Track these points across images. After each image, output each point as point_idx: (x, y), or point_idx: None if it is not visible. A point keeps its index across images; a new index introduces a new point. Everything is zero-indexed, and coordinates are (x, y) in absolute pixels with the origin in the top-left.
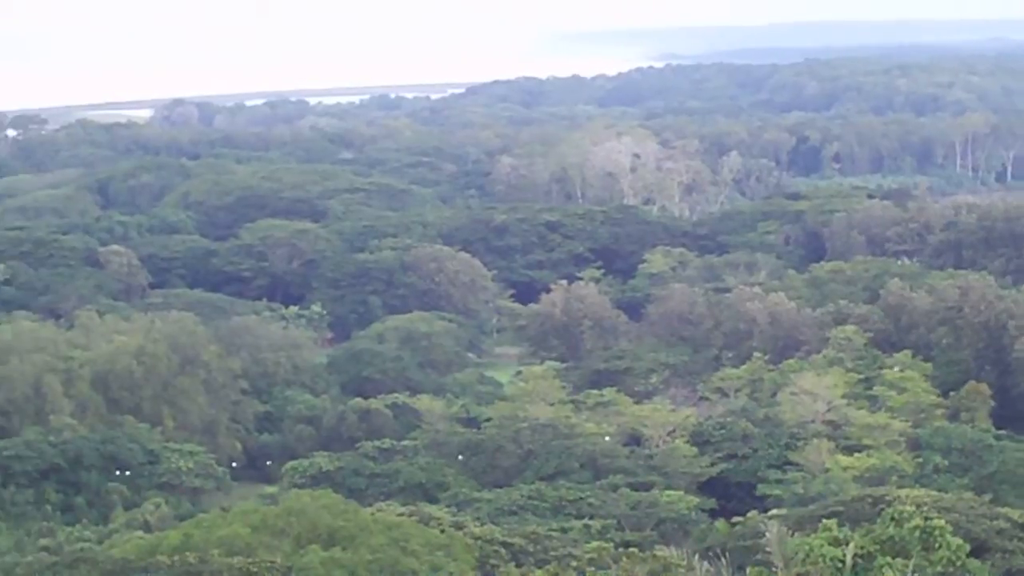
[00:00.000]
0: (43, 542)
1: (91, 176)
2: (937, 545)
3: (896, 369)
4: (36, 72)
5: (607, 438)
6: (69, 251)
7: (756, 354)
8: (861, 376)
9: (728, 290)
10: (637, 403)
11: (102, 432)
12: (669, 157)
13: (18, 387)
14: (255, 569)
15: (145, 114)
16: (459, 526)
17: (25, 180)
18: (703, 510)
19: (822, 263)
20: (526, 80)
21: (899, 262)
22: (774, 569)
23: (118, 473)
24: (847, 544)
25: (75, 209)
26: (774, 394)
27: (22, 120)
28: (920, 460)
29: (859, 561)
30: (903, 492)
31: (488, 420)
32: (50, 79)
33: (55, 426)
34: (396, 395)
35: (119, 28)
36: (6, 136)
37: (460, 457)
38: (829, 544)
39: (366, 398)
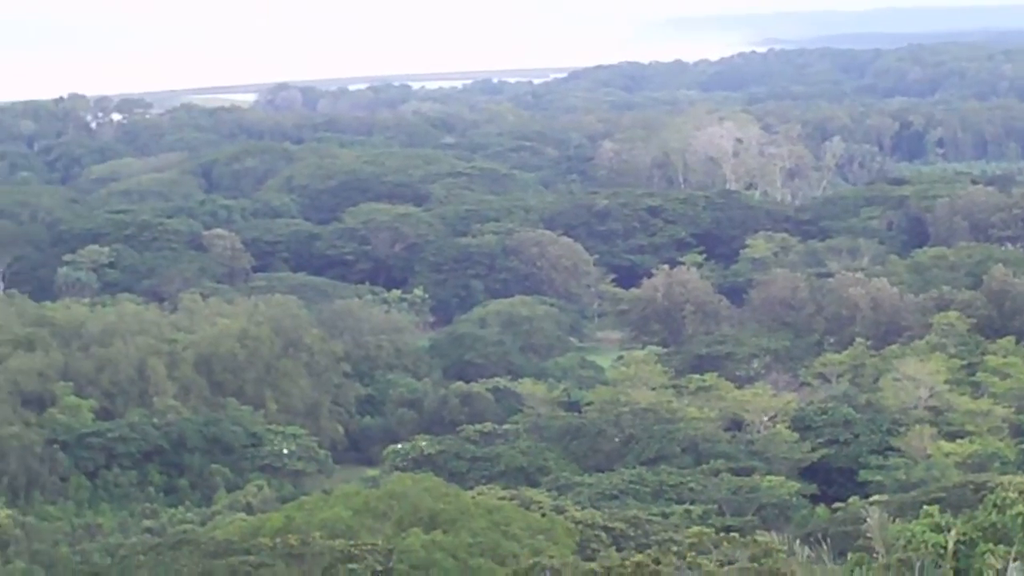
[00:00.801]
0: (146, 523)
1: (195, 160)
2: None
3: (999, 355)
4: (141, 56)
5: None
6: (173, 234)
7: (858, 339)
8: (964, 362)
9: (830, 275)
10: (738, 388)
11: (205, 414)
12: (771, 142)
13: (122, 369)
14: (356, 552)
15: (249, 98)
16: (560, 510)
17: (130, 164)
18: (804, 496)
19: (925, 249)
20: (628, 65)
21: (1002, 248)
22: (875, 555)
23: (221, 455)
24: (949, 530)
25: (179, 193)
26: (876, 380)
27: (127, 104)
28: (1023, 446)
29: (961, 547)
30: (1005, 478)
31: (589, 404)
32: (155, 63)
33: (159, 408)
34: (497, 379)
35: (224, 12)
36: (111, 120)
37: (561, 441)
38: (931, 530)
39: (468, 382)
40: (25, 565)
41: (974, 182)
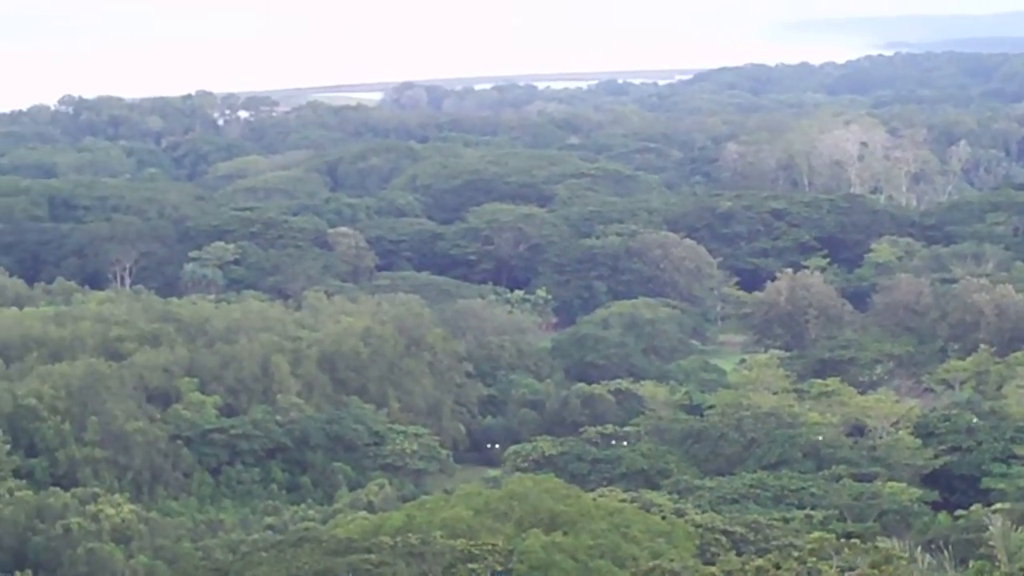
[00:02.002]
0: (268, 520)
1: (321, 158)
2: None
3: None
4: (269, 54)
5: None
6: (298, 232)
7: (982, 346)
8: None
9: (955, 281)
10: (861, 393)
11: (328, 412)
12: (897, 146)
13: (246, 366)
14: (477, 552)
15: (375, 97)
16: (680, 513)
17: (256, 161)
18: (926, 502)
19: None
20: (754, 67)
21: None
22: (997, 563)
23: (343, 453)
24: None
25: (305, 190)
26: (1000, 387)
27: (254, 102)
28: None
29: None
30: None
31: (711, 408)
32: (282, 61)
33: (282, 405)
34: (619, 381)
35: (352, 11)
36: (238, 117)
37: (683, 444)
38: None
39: (589, 383)
40: (148, 560)
41: None
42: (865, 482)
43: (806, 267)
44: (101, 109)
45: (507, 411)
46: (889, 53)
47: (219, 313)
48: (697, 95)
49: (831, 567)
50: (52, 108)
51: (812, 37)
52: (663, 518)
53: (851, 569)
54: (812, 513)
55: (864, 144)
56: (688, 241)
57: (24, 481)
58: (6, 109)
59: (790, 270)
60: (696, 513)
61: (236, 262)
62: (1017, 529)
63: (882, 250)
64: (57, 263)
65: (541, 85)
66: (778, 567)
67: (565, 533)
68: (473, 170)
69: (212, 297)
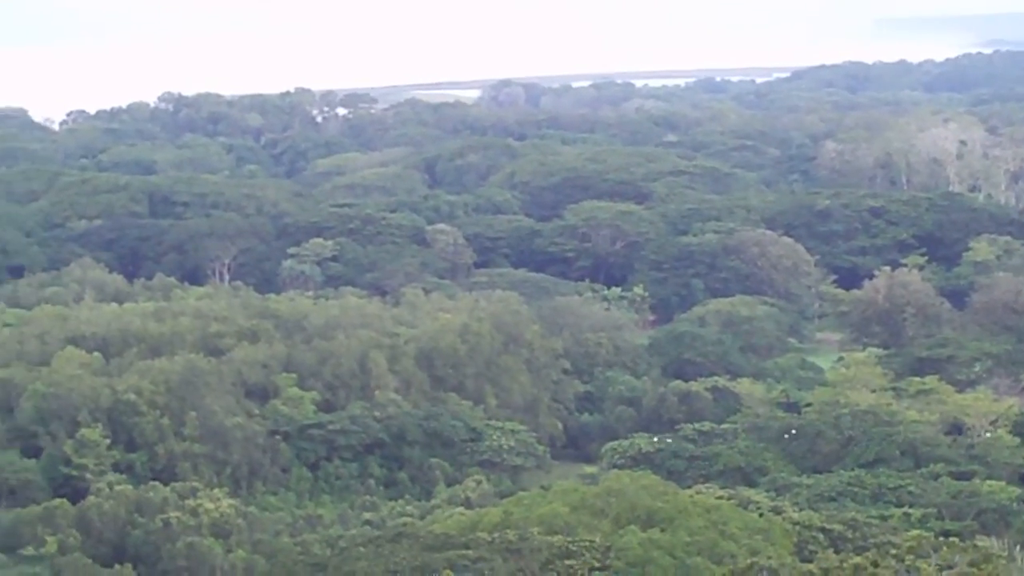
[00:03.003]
0: (366, 516)
1: (419, 155)
2: None
3: None
4: (367, 51)
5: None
6: (396, 229)
7: None
8: None
9: None
10: (959, 392)
11: (426, 408)
12: (996, 144)
13: (344, 362)
14: (574, 548)
15: (473, 94)
16: (778, 511)
17: (354, 158)
18: None
19: None
20: (852, 65)
21: None
22: None
23: (440, 449)
24: None
25: (403, 187)
26: None
27: (353, 99)
28: None
29: None
30: None
31: (808, 405)
32: (381, 58)
33: (380, 401)
34: (716, 378)
35: (450, 9)
36: (336, 114)
37: (780, 442)
38: None
39: (686, 380)
40: (247, 555)
41: None
42: (963, 480)
43: (904, 265)
44: (201, 106)
45: (604, 408)
46: (988, 51)
47: (317, 309)
48: (795, 93)
49: (929, 565)
50: (152, 105)
51: (911, 35)
52: (760, 515)
53: (949, 567)
54: (910, 511)
55: (963, 142)
56: (786, 239)
57: (124, 475)
58: (106, 106)
59: (888, 268)
60: (793, 511)
61: (334, 258)
62: None
63: (980, 248)
64: (157, 259)
65: (639, 83)
66: (876, 565)
67: (662, 530)
68: (571, 167)
69: (310, 293)
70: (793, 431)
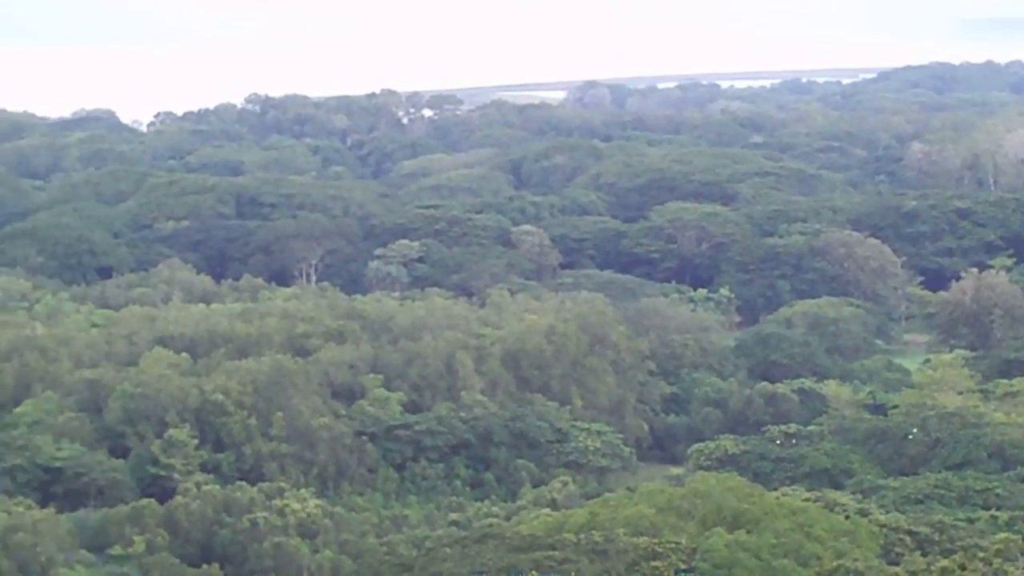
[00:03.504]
0: (452, 516)
1: (504, 156)
2: None
3: None
4: (453, 53)
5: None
6: (482, 230)
7: None
8: None
9: None
10: None
11: (512, 409)
12: None
13: (431, 363)
14: (660, 549)
15: (558, 95)
16: (864, 513)
17: (440, 159)
18: None
19: None
20: (938, 66)
21: None
22: None
23: (526, 450)
24: None
25: (488, 189)
26: None
27: (438, 100)
28: None
29: None
30: None
31: (895, 407)
32: (466, 60)
33: (466, 402)
34: (802, 380)
35: (536, 10)
36: (422, 115)
37: (866, 444)
38: None
39: (772, 382)
40: (333, 555)
41: None
42: None
43: (991, 267)
44: (287, 107)
45: (690, 409)
46: None
47: (403, 310)
48: (881, 94)
49: (1017, 569)
50: (239, 106)
51: (997, 36)
52: (846, 518)
53: None
54: (997, 514)
55: None
56: (872, 240)
57: (211, 475)
58: (194, 108)
59: (975, 270)
60: (880, 513)
61: (420, 260)
62: None
63: None
64: (244, 260)
65: (724, 84)
66: (963, 568)
67: (748, 532)
68: (656, 168)
69: (396, 294)
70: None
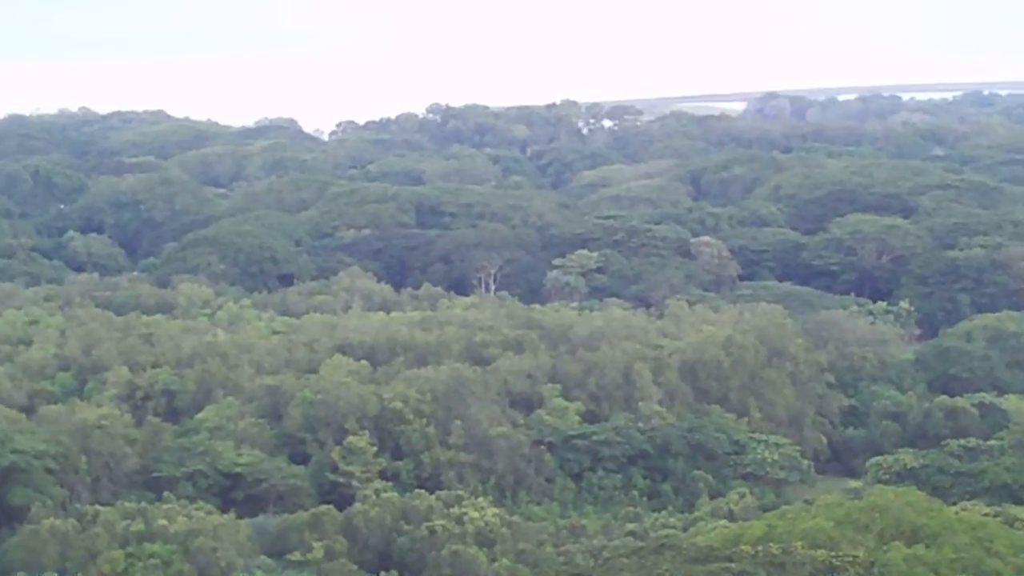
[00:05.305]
0: (629, 527)
1: (684, 167)
2: None
3: None
4: (633, 64)
5: None
6: (661, 241)
7: None
8: None
9: None
10: None
11: (689, 420)
12: None
13: (608, 373)
14: (838, 563)
15: (738, 107)
16: None
17: (620, 170)
18: None
19: None
20: None
21: None
22: None
23: (704, 461)
24: None
25: (667, 199)
26: None
27: (618, 111)
28: None
29: None
30: None
31: None
32: (647, 71)
33: (644, 413)
34: (983, 394)
35: (714, 22)
36: (602, 126)
37: None
38: None
39: (952, 396)
40: (511, 563)
41: None
42: None
43: None
44: (468, 117)
45: (868, 422)
46: None
47: (582, 320)
48: None
49: None
50: (420, 116)
51: None
52: None
53: None
54: None
55: None
56: None
57: (390, 483)
58: (375, 117)
59: None
60: None
61: (599, 270)
62: None
63: None
64: (423, 268)
65: (905, 96)
66: None
67: (927, 546)
68: (837, 180)
69: (575, 304)
70: None
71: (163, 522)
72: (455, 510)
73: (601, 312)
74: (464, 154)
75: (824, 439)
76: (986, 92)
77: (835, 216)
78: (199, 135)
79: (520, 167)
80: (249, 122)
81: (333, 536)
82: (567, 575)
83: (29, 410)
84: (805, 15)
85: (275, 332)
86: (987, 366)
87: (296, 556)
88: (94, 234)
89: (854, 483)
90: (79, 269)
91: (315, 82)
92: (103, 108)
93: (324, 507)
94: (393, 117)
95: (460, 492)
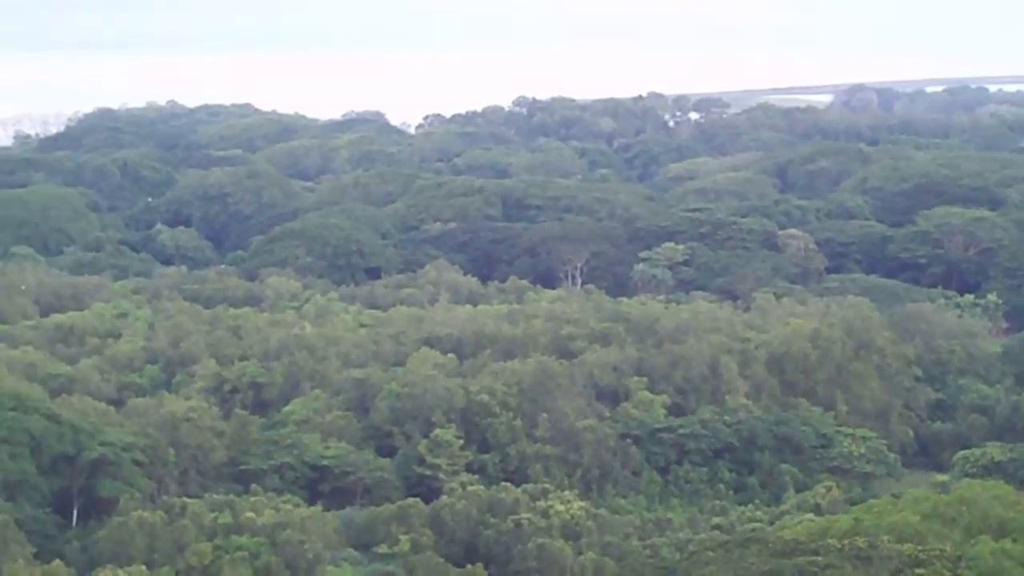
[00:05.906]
0: (715, 520)
1: (770, 160)
2: None
3: None
4: (720, 57)
5: None
6: (747, 233)
7: None
8: None
9: None
10: None
11: (775, 414)
12: None
13: (695, 366)
14: (924, 557)
15: (824, 99)
16: None
17: (706, 162)
18: None
19: None
20: None
21: None
22: None
23: (790, 455)
24: None
25: (754, 192)
26: None
27: (705, 103)
28: None
29: None
30: None
31: None
32: (733, 64)
33: (730, 406)
34: None
35: (802, 13)
36: (688, 118)
37: None
38: None
39: None
40: (597, 556)
41: None
42: None
43: None
44: (554, 110)
45: (956, 416)
46: None
47: (668, 313)
48: None
49: None
50: (506, 109)
51: None
52: None
53: None
54: None
55: None
56: None
57: (476, 476)
58: (461, 110)
59: None
60: None
61: (685, 263)
62: None
63: None
64: (510, 261)
65: (993, 87)
66: None
67: (1014, 540)
68: (924, 173)
69: (661, 297)
70: None
71: (250, 514)
72: (541, 503)
73: (687, 305)
74: (550, 147)
75: (911, 432)
76: None
77: (922, 209)
78: (286, 128)
79: (606, 160)
80: (336, 115)
81: (420, 529)
82: (653, 568)
83: (118, 403)
84: (892, 7)
85: (362, 325)
86: None
87: (383, 549)
88: (182, 227)
89: (941, 477)
90: (167, 262)
91: (402, 75)
92: (191, 102)
93: (411, 500)
94: (479, 110)
95: (546, 485)
